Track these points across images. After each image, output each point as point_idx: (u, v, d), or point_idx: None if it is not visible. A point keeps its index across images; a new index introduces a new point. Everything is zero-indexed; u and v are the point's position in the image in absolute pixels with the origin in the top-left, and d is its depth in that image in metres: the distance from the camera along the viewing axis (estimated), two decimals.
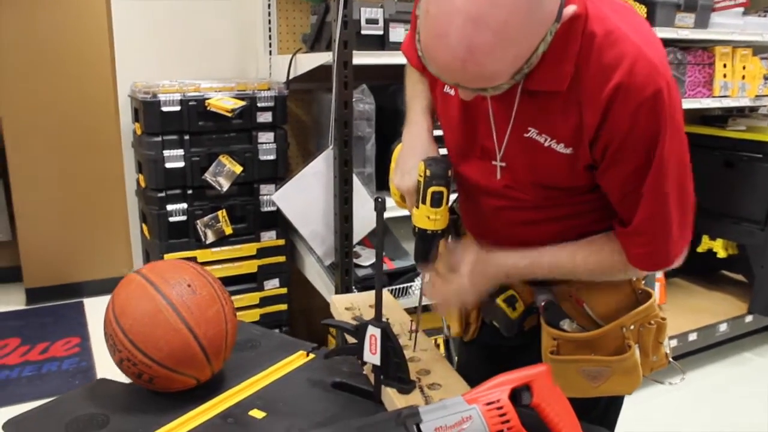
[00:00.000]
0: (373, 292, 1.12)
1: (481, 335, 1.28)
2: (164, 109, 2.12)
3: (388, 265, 2.36)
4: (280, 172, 2.37)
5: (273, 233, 2.43)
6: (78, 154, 3.36)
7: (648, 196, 0.95)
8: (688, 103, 2.81)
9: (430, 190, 1.06)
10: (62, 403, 1.09)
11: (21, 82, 3.14)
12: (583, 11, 0.90)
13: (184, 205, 2.23)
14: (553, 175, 1.01)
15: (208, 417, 1.06)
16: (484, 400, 0.87)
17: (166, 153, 2.15)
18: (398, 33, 2.15)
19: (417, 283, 2.26)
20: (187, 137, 2.18)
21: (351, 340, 1.14)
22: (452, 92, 1.08)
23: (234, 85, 2.26)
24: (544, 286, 1.13)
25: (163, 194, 2.19)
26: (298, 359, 1.25)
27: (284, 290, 2.51)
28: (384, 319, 1.08)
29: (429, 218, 1.08)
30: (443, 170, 1.07)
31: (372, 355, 1.08)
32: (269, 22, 2.55)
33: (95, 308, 3.49)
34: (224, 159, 2.23)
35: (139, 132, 2.25)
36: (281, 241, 2.46)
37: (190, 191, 2.23)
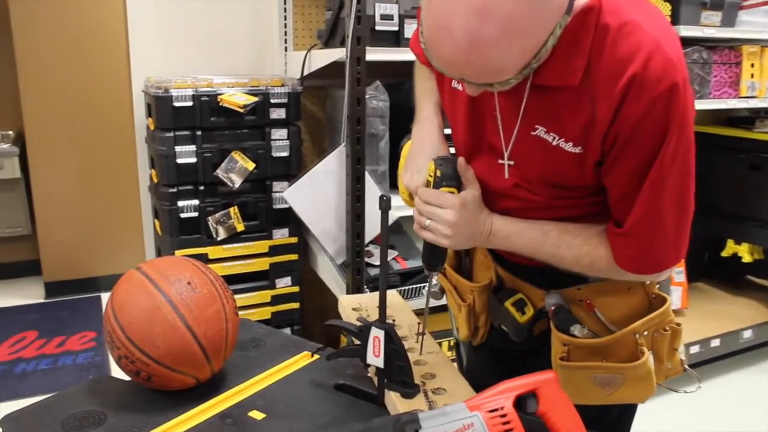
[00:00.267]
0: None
1: (490, 339, 1.25)
2: (176, 104, 2.11)
3: (401, 265, 2.33)
4: (293, 169, 2.36)
5: (285, 231, 2.42)
6: (96, 150, 3.38)
7: (645, 196, 0.91)
8: (713, 104, 2.74)
9: (441, 190, 1.03)
10: (61, 399, 1.08)
11: (42, 79, 3.16)
12: (597, 3, 0.86)
13: (196, 202, 2.22)
14: (562, 174, 0.98)
15: (207, 417, 1.03)
16: (487, 407, 0.84)
17: (178, 148, 2.15)
18: (414, 29, 2.11)
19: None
20: (199, 133, 2.18)
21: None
22: (460, 87, 1.05)
23: (247, 81, 2.25)
24: (554, 289, 1.09)
25: (174, 190, 2.19)
26: (302, 360, 1.23)
27: (296, 289, 2.49)
28: (391, 321, 1.05)
29: None
30: (454, 170, 1.04)
31: (375, 358, 1.05)
32: (285, 18, 2.54)
33: None
34: (237, 155, 2.21)
35: (152, 127, 2.25)
36: (294, 239, 2.44)
37: (201, 187, 2.23)
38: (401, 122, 2.23)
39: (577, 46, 0.87)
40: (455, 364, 1.33)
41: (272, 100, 2.26)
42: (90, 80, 3.18)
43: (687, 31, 2.53)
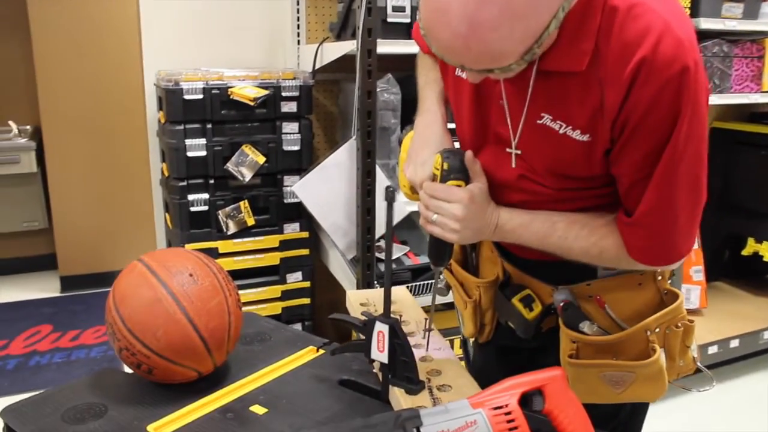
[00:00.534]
0: (391, 289, 1.06)
1: (497, 336, 1.22)
2: (186, 97, 2.11)
3: (413, 260, 2.31)
4: (304, 163, 2.34)
5: (296, 225, 2.40)
6: (110, 144, 3.39)
7: (657, 184, 0.88)
8: (734, 98, 2.69)
9: (449, 184, 1.01)
10: (61, 391, 1.08)
11: (59, 75, 3.19)
12: None
13: (206, 195, 2.21)
14: (569, 164, 0.95)
15: (208, 411, 1.02)
16: (490, 405, 0.81)
17: (188, 142, 2.14)
18: None
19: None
20: (209, 126, 2.17)
21: None
22: (464, 75, 1.02)
23: (258, 74, 2.24)
24: (563, 285, 1.06)
25: (184, 183, 2.18)
26: (307, 354, 1.21)
27: (307, 284, 2.47)
28: (397, 317, 1.03)
29: None
30: (461, 163, 1.02)
31: (380, 353, 1.03)
32: (298, 11, 2.52)
33: None
34: (247, 149, 2.20)
35: (162, 121, 2.24)
36: (305, 234, 2.42)
37: (212, 181, 2.22)
38: (413, 116, 2.21)
39: (584, 30, 0.84)
40: (463, 362, 1.30)
41: (283, 94, 2.24)
42: (104, 75, 3.19)
43: (707, 23, 2.48)
